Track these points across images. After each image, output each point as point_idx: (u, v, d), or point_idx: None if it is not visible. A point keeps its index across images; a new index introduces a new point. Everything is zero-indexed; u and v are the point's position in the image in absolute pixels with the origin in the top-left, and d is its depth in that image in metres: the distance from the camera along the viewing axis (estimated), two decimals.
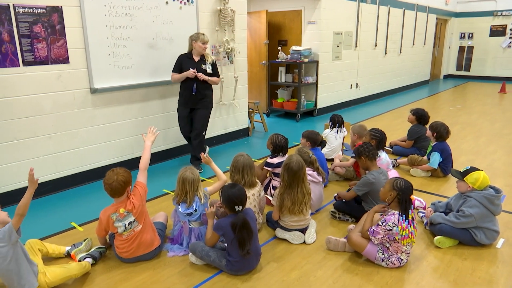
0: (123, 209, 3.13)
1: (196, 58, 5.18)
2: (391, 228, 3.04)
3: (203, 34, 5.14)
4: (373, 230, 3.14)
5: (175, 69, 5.20)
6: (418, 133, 5.78)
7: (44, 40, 4.33)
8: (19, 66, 4.19)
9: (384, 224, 3.07)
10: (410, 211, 3.10)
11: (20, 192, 4.31)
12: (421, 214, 3.97)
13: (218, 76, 5.39)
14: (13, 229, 2.60)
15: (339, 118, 5.68)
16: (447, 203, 3.81)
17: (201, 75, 5.07)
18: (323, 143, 5.00)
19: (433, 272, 3.15)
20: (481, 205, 3.37)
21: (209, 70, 5.24)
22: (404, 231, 3.03)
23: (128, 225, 3.14)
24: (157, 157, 5.67)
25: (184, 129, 5.42)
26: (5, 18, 4.02)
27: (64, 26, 4.47)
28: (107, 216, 3.13)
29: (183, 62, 5.16)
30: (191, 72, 5.02)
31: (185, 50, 5.71)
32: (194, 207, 3.34)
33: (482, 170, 3.53)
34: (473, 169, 3.52)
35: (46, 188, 4.65)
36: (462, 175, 3.55)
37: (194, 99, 5.22)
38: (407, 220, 3.06)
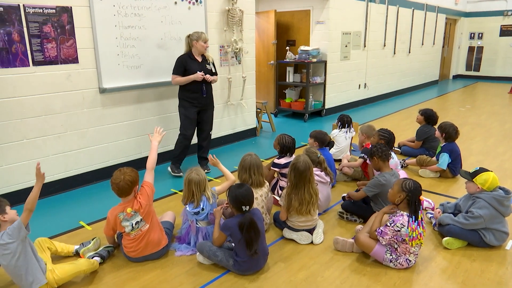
0: (130, 209, 3.15)
1: (199, 59, 5.04)
2: (399, 229, 3.03)
3: (203, 33, 4.99)
4: (381, 230, 3.12)
5: (178, 71, 4.96)
6: (426, 134, 5.75)
7: (54, 40, 4.36)
8: (29, 66, 4.23)
9: (392, 225, 3.06)
10: (419, 211, 3.08)
11: (30, 191, 4.36)
12: (429, 215, 3.94)
13: (217, 74, 5.30)
14: (22, 225, 2.63)
15: (348, 118, 5.67)
16: (455, 204, 3.79)
17: (208, 77, 5.00)
18: (331, 144, 4.98)
19: (441, 273, 3.13)
20: (490, 206, 3.35)
21: (214, 70, 5.19)
22: (414, 232, 3.02)
23: (135, 224, 3.16)
24: (165, 157, 5.69)
25: (191, 131, 5.24)
26: (15, 18, 4.05)
27: (74, 26, 4.50)
28: (115, 215, 3.15)
29: (187, 64, 4.94)
30: (199, 76, 4.91)
31: None
32: (201, 206, 3.35)
33: (491, 171, 3.50)
34: (482, 170, 3.49)
35: (55, 187, 4.69)
36: (471, 176, 3.52)
37: (204, 101, 5.16)
38: (416, 221, 3.04)
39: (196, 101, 5.10)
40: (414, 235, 3.03)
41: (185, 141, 5.22)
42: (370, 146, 4.00)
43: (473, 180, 3.48)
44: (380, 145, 3.94)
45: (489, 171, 3.49)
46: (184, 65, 4.94)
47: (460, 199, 3.77)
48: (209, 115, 5.33)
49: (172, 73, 5.00)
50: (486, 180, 3.42)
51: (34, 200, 2.73)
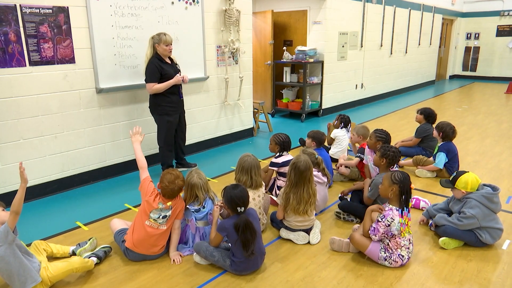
0: (170, 203, 3.23)
1: (169, 61, 4.87)
2: (389, 223, 3.06)
3: (165, 34, 4.68)
4: (374, 228, 3.16)
5: (154, 78, 4.69)
6: (426, 132, 5.73)
7: (50, 40, 4.35)
8: (26, 66, 4.22)
9: (383, 220, 3.09)
10: (410, 200, 3.16)
11: (27, 191, 4.35)
12: (426, 218, 3.93)
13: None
14: (9, 229, 2.60)
15: (348, 118, 5.69)
16: (447, 202, 3.77)
17: (186, 78, 4.91)
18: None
19: (438, 273, 3.14)
20: (481, 204, 3.37)
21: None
22: (404, 220, 3.09)
23: (162, 218, 3.21)
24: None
25: (172, 138, 5.13)
26: (12, 18, 4.04)
27: (70, 26, 4.49)
28: (156, 194, 3.26)
29: (162, 69, 4.71)
30: (180, 79, 4.78)
31: (190, 50, 5.74)
32: (203, 204, 3.37)
33: (468, 171, 3.54)
34: (459, 174, 3.53)
35: (52, 188, 4.68)
36: (451, 183, 3.55)
37: (181, 104, 5.10)
38: (407, 209, 3.12)
39: (177, 105, 5.00)
40: (405, 222, 3.10)
41: (169, 152, 5.14)
42: (383, 146, 3.95)
43: (455, 186, 3.51)
44: (396, 152, 3.86)
45: (466, 172, 3.53)
46: (160, 70, 4.70)
47: (449, 198, 3.77)
48: (184, 116, 5.27)
49: (147, 82, 4.75)
50: (466, 182, 3.46)
51: (20, 202, 2.67)
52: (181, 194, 3.42)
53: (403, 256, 3.16)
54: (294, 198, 3.45)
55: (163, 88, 4.76)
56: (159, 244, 3.28)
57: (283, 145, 4.36)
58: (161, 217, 3.22)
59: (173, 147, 5.22)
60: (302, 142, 5.83)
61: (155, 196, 3.25)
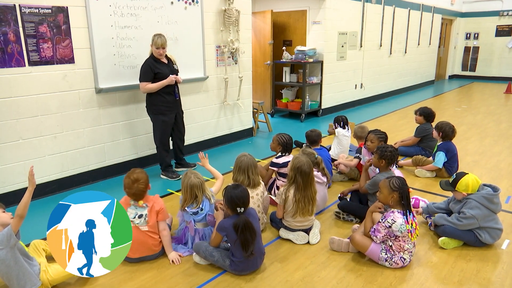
0: (142, 202, 3.22)
1: (165, 60, 4.86)
2: (390, 225, 3.05)
3: (159, 36, 4.65)
4: (374, 229, 3.15)
5: (147, 78, 4.72)
6: (426, 131, 5.73)
7: (50, 40, 4.35)
8: (25, 66, 4.22)
9: (383, 221, 3.09)
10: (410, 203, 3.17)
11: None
12: (425, 215, 3.94)
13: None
14: (12, 233, 2.58)
15: (345, 118, 5.69)
16: (448, 202, 3.77)
17: (179, 78, 4.91)
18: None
19: (437, 273, 3.14)
20: (481, 205, 3.36)
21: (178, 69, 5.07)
22: (413, 224, 3.08)
23: (139, 217, 3.18)
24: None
25: (168, 138, 5.17)
26: (11, 18, 4.04)
27: (70, 26, 4.49)
28: (128, 200, 3.25)
29: (156, 68, 4.72)
30: (172, 79, 4.77)
31: (190, 50, 5.75)
32: (200, 206, 3.36)
33: (468, 173, 3.52)
34: (459, 176, 3.51)
35: (51, 188, 4.68)
36: (452, 185, 3.54)
37: (177, 104, 5.09)
38: (411, 214, 3.11)
39: (172, 105, 5.00)
40: (413, 227, 3.08)
41: (165, 152, 5.15)
42: (380, 147, 3.94)
43: (456, 189, 3.50)
44: (394, 152, 3.85)
45: (466, 174, 3.51)
46: (153, 69, 4.72)
47: (449, 198, 3.77)
48: (182, 117, 5.26)
49: (140, 81, 4.78)
50: (467, 185, 3.45)
51: (26, 206, 2.65)
52: (180, 195, 3.41)
53: (404, 259, 3.16)
54: (302, 201, 3.45)
55: (156, 88, 4.77)
56: (147, 245, 3.25)
57: (286, 146, 4.36)
58: (137, 216, 3.19)
59: (169, 147, 5.23)
60: (298, 145, 5.92)
61: (126, 200, 3.27)
